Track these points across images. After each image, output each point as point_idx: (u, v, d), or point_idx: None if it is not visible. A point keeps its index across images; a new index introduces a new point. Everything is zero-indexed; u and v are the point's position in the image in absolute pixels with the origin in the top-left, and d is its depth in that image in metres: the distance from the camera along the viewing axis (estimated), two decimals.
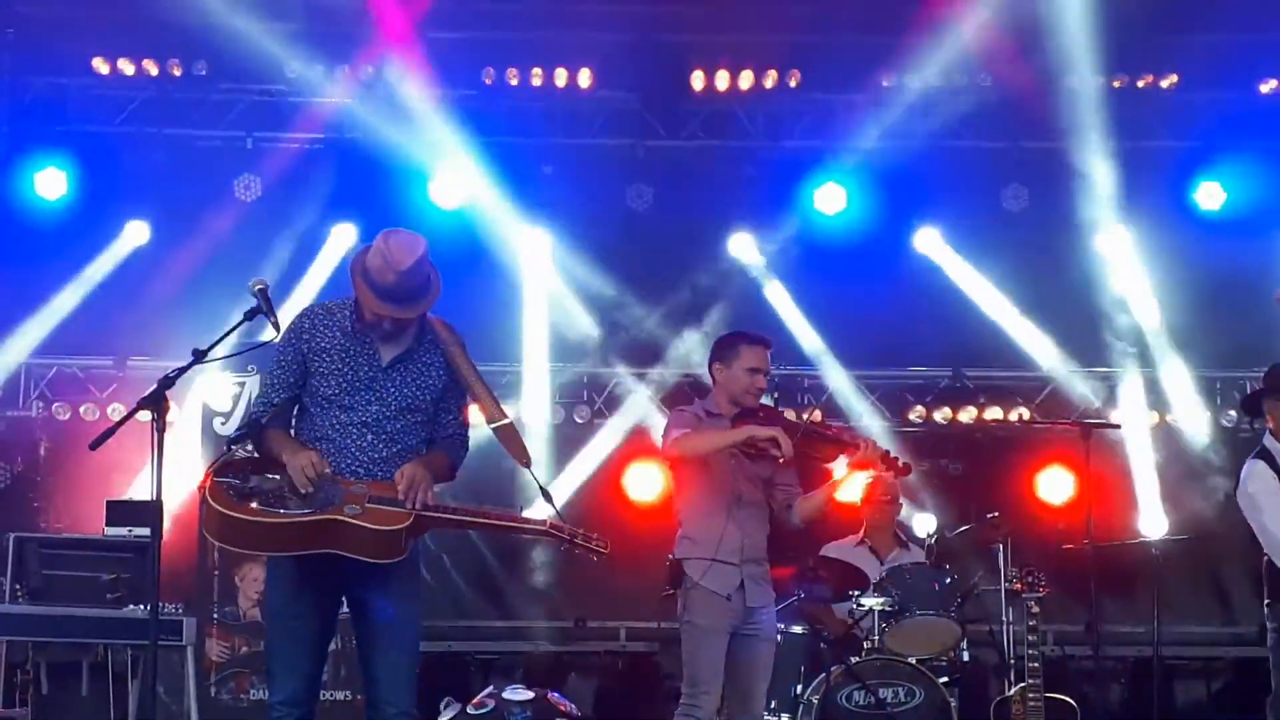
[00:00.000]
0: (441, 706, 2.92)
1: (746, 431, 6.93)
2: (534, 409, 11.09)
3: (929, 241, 11.21)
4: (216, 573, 9.21)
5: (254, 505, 5.76)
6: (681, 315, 10.95)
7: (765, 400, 7.29)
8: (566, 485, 10.84)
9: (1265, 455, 7.55)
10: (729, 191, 11.06)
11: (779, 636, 8.72)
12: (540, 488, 6.16)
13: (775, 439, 6.80)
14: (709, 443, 7.03)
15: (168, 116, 10.81)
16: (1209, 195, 10.99)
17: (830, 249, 11.01)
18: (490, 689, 2.97)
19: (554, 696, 2.85)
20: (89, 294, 10.82)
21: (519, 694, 2.95)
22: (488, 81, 10.82)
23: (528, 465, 6.15)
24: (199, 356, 5.95)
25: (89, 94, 10.83)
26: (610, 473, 11.04)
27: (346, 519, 5.72)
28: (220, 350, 5.99)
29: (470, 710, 2.98)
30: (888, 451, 6.99)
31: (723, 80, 10.85)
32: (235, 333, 5.95)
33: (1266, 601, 7.62)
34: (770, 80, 10.83)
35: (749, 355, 7.09)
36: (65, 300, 10.79)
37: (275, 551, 5.91)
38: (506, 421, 6.12)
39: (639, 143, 11.04)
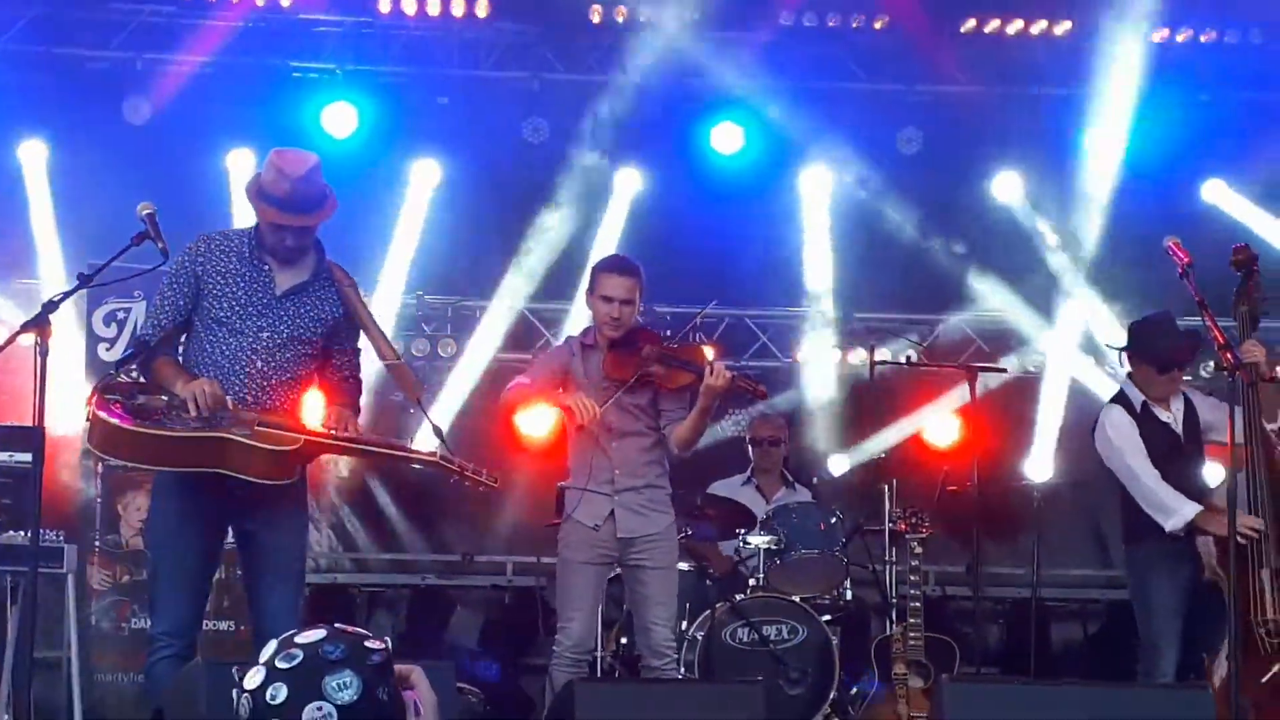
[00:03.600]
0: (234, 673, 2.89)
1: (544, 397, 7.09)
2: (425, 342, 11.02)
3: (823, 182, 11.21)
4: (99, 501, 9.11)
5: (142, 420, 5.73)
6: (572, 248, 10.88)
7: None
8: (456, 419, 10.77)
9: (1122, 399, 7.69)
10: (623, 127, 10.99)
11: None
12: (433, 425, 6.17)
13: (570, 408, 6.90)
14: (525, 401, 7.17)
15: (56, 35, 10.57)
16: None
17: (726, 188, 10.99)
18: (276, 641, 2.97)
19: (346, 627, 2.83)
20: None
21: (314, 634, 2.94)
22: (383, 10, 10.68)
23: (418, 401, 6.21)
24: (85, 280, 5.91)
25: None
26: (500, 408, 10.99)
27: (236, 437, 5.71)
28: (107, 275, 5.93)
29: (280, 664, 2.94)
30: (737, 375, 7.04)
31: (620, 14, 10.78)
32: (122, 257, 5.87)
33: (1125, 546, 7.79)
34: (670, 16, 10.76)
35: (603, 283, 7.13)
36: None
37: (161, 466, 5.90)
38: (399, 361, 6.18)
39: (535, 75, 10.95)
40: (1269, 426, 7.30)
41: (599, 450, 7.08)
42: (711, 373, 6.90)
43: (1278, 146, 10.66)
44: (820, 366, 11.42)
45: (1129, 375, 7.79)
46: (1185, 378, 8.01)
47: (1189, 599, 7.45)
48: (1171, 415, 7.67)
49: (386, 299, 10.78)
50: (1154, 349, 7.64)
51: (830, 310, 11.32)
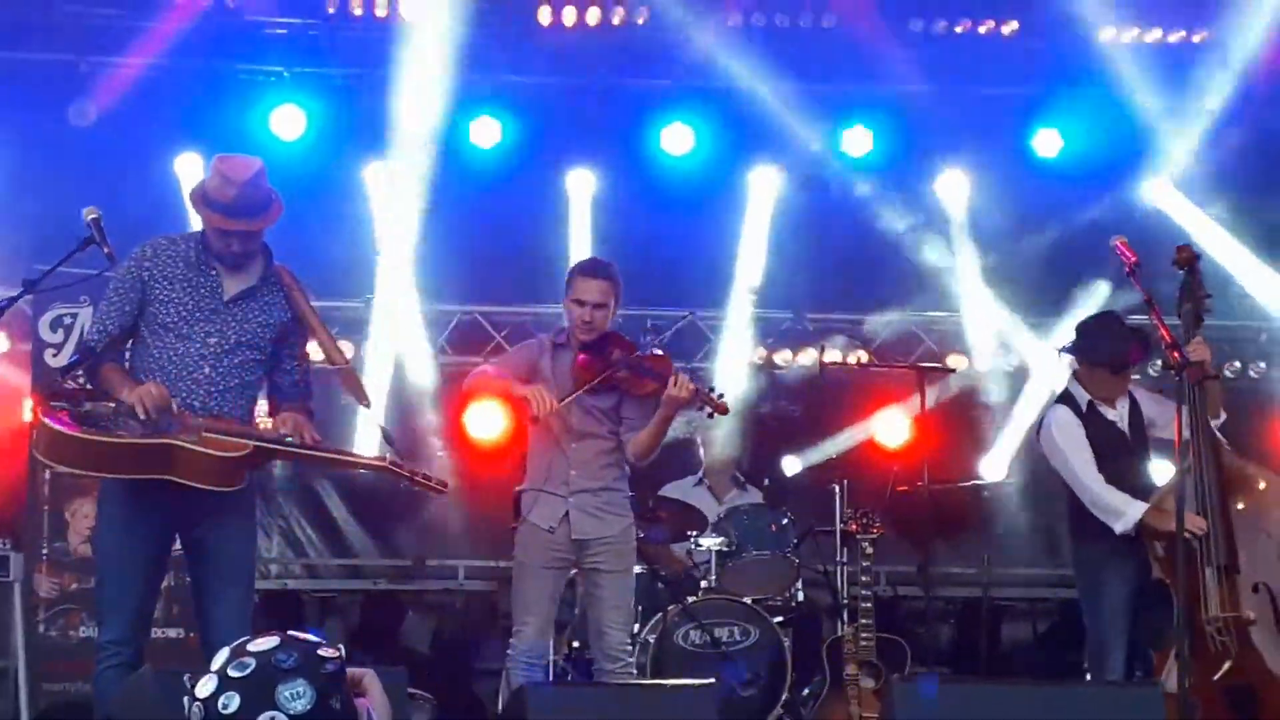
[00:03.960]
0: (186, 681, 2.87)
1: (504, 387, 7.05)
2: (385, 346, 10.94)
3: (772, 182, 11.21)
4: (46, 508, 9.04)
5: (89, 427, 5.71)
6: (527, 251, 10.84)
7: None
8: (407, 421, 10.72)
9: (1068, 399, 7.71)
10: (573, 128, 10.98)
11: None
12: (381, 429, 6.18)
13: (526, 398, 6.83)
14: (486, 388, 7.16)
15: None
16: (1047, 142, 11.10)
17: (676, 189, 10.98)
18: (228, 649, 2.94)
19: (299, 634, 2.80)
20: None
21: (267, 642, 2.91)
22: (330, 10, 10.63)
23: (368, 406, 6.20)
24: (29, 286, 5.87)
25: None
26: (452, 410, 10.95)
27: (183, 444, 5.69)
28: (53, 280, 5.90)
29: (232, 672, 2.91)
30: (700, 388, 7.02)
31: (570, 15, 10.75)
32: (68, 262, 5.84)
33: (1071, 546, 7.81)
34: (618, 17, 10.76)
35: (576, 286, 7.13)
36: None
37: (108, 473, 5.86)
38: (348, 366, 6.17)
39: (484, 76, 10.91)
40: (1212, 424, 7.36)
41: (558, 451, 7.07)
42: (675, 383, 6.90)
43: (1223, 147, 10.73)
44: (769, 367, 11.41)
45: (1074, 375, 7.81)
46: (1134, 376, 8.04)
47: (1137, 597, 7.48)
48: (1118, 413, 7.69)
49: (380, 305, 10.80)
50: (1108, 350, 7.64)
51: (779, 311, 11.32)
